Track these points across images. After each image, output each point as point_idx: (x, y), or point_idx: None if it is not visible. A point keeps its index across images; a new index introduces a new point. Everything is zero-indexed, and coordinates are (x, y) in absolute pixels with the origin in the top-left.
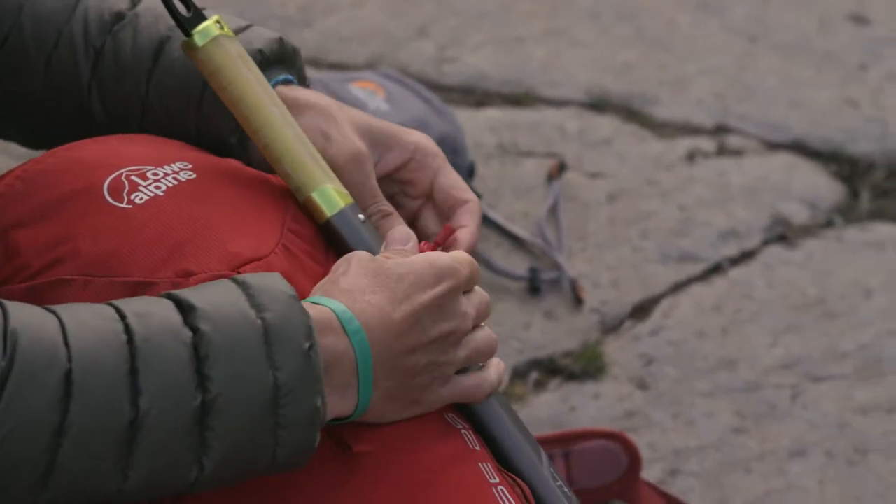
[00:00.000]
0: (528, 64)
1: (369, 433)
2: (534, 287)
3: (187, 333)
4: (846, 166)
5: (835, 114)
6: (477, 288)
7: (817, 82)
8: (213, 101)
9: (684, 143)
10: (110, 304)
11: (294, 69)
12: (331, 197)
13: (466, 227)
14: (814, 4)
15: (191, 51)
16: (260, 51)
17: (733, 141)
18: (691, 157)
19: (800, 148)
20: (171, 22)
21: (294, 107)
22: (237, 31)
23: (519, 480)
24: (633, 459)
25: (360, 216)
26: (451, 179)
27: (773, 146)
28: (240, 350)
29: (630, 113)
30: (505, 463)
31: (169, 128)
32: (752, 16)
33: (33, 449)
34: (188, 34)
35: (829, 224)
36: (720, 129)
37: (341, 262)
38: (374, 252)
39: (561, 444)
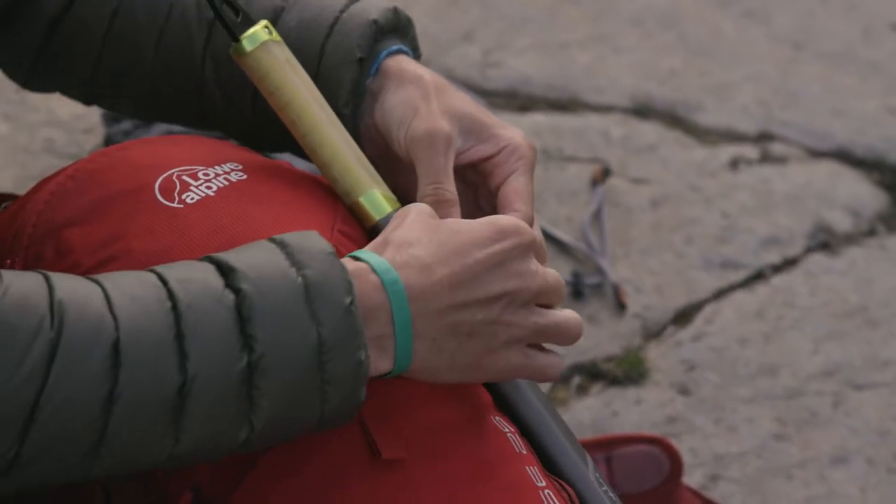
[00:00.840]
0: (572, 69)
1: (411, 434)
2: (577, 291)
3: (229, 296)
4: (889, 175)
5: (878, 122)
6: (549, 269)
7: (861, 91)
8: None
9: (728, 150)
10: (152, 271)
11: (407, 39)
12: (378, 202)
13: None
14: (858, 13)
15: (239, 56)
16: (375, 21)
17: (777, 148)
18: (735, 164)
19: (843, 156)
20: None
21: (400, 78)
22: (351, 2)
23: (565, 485)
24: (675, 465)
25: None
26: (518, 184)
27: (817, 154)
28: (282, 308)
29: (674, 119)
30: (551, 467)
31: None
32: (796, 24)
33: (85, 419)
34: (236, 39)
35: (871, 232)
36: (764, 137)
37: (400, 213)
38: None
39: (603, 449)
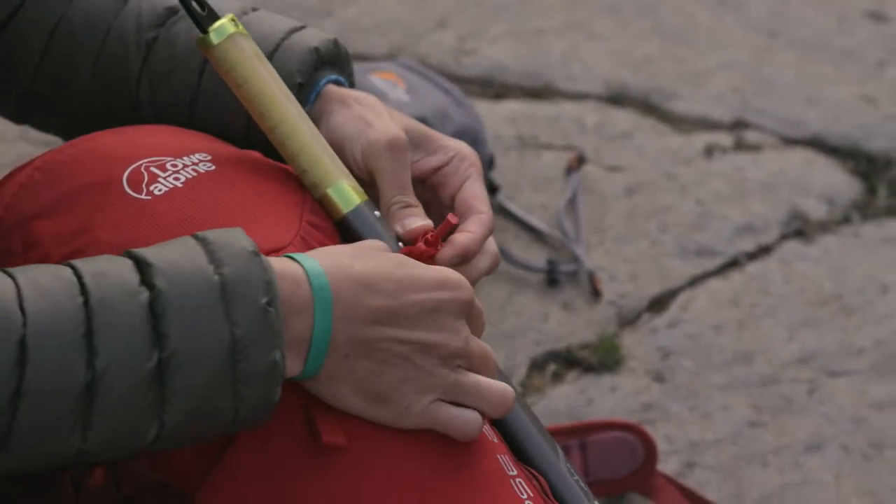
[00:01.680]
0: (547, 57)
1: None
2: (552, 279)
3: (144, 292)
4: (863, 163)
5: (853, 110)
6: (478, 340)
7: (835, 79)
8: None
9: (702, 138)
10: (69, 265)
11: (346, 73)
12: (346, 193)
13: (469, 233)
14: (832, 1)
15: (206, 48)
16: (316, 49)
17: (751, 136)
18: (709, 151)
19: (817, 144)
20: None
21: (342, 101)
22: (293, 31)
23: (536, 474)
24: (650, 451)
25: (376, 213)
26: (475, 189)
27: (791, 142)
28: (195, 306)
29: (648, 107)
30: (521, 457)
31: (219, 118)
32: (770, 11)
33: None
34: (204, 31)
35: (846, 220)
36: (738, 125)
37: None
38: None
39: (578, 436)
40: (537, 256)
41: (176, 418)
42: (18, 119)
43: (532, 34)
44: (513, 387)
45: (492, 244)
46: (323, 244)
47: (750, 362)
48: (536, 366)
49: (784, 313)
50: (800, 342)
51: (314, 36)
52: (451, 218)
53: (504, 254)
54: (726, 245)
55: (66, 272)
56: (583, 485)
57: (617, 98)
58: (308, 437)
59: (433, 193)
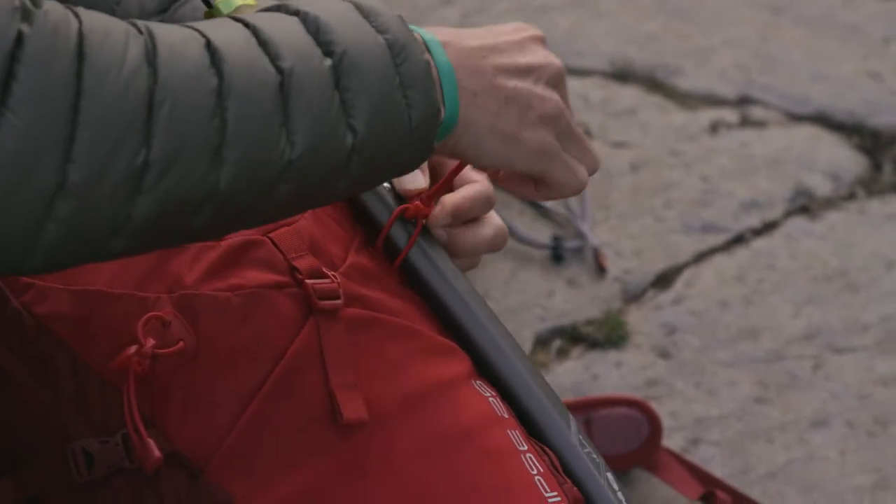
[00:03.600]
0: (552, 33)
1: (390, 400)
2: (557, 255)
3: (291, 15)
4: (869, 139)
5: (858, 86)
6: None
7: (841, 55)
8: None
9: (707, 114)
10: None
11: None
12: None
13: (461, 195)
14: None
15: None
16: None
17: (756, 112)
18: (714, 127)
19: (823, 120)
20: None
21: None
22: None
23: (546, 449)
24: (655, 427)
25: (386, 185)
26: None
27: (797, 118)
28: (343, 18)
29: (653, 83)
30: (533, 430)
31: None
32: None
33: (201, 115)
34: (210, 5)
35: (851, 196)
36: (743, 101)
37: None
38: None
39: (582, 411)
40: (542, 233)
41: (365, 123)
42: None
43: (537, 10)
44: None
45: (495, 217)
46: (333, 218)
47: (755, 339)
48: (541, 342)
49: (789, 290)
50: (805, 318)
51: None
52: (449, 176)
53: (509, 230)
54: (732, 221)
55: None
56: (595, 456)
57: (622, 74)
58: (327, 413)
59: (432, 171)
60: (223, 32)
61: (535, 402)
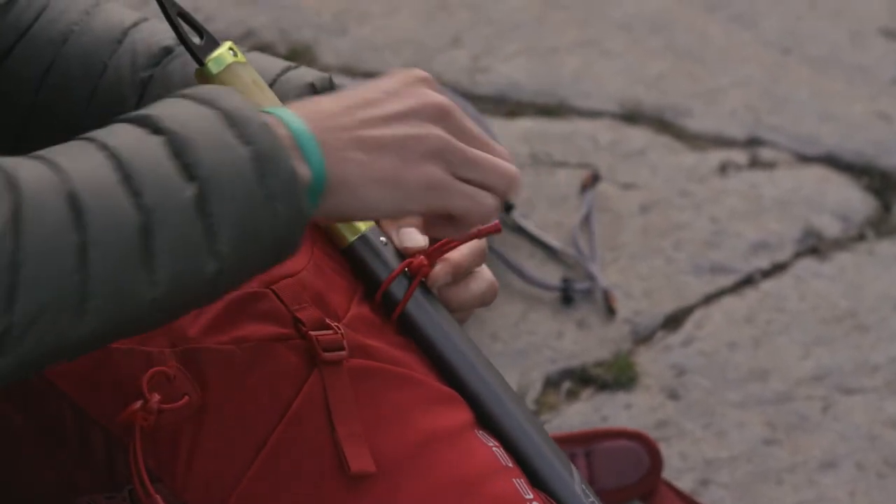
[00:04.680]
0: (561, 74)
1: (396, 449)
2: (566, 297)
3: (157, 136)
4: (878, 180)
5: (867, 127)
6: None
7: (849, 96)
8: None
9: (717, 155)
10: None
11: None
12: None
13: (459, 252)
14: (846, 18)
15: (205, 80)
16: (311, 84)
17: (765, 153)
18: (723, 169)
19: (832, 161)
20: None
21: None
22: (288, 68)
23: (551, 500)
24: (655, 460)
25: (382, 239)
26: None
27: (806, 159)
28: (209, 135)
29: (662, 124)
30: (536, 481)
31: None
32: (783, 28)
33: (65, 271)
34: (202, 63)
35: (861, 237)
36: (752, 142)
37: None
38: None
39: (583, 443)
40: (552, 274)
41: (228, 248)
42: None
43: (546, 52)
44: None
45: (486, 271)
46: (334, 269)
47: (764, 380)
48: (551, 383)
49: (799, 331)
50: (814, 359)
51: (310, 73)
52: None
53: (519, 272)
54: (741, 262)
55: (81, 141)
56: None
57: (631, 115)
58: (333, 464)
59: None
60: (89, 172)
61: (537, 453)
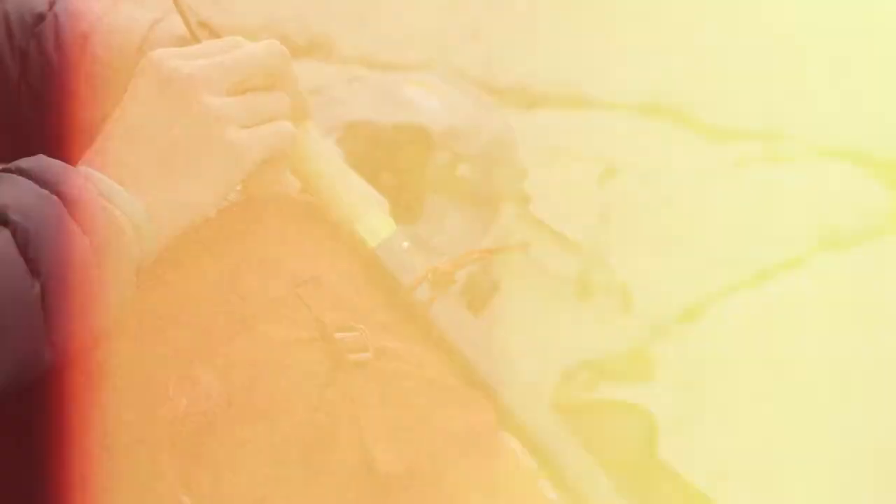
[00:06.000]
0: (579, 67)
1: (419, 449)
2: (584, 290)
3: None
4: None
5: (886, 121)
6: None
7: (869, 89)
8: None
9: (735, 148)
10: None
11: None
12: (372, 227)
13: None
14: (868, 10)
15: None
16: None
17: (785, 146)
18: (742, 161)
19: (851, 154)
20: (91, 19)
21: None
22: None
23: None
24: None
25: (405, 243)
26: None
27: (825, 152)
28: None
29: (681, 117)
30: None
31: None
32: (805, 21)
33: None
34: None
35: (879, 231)
36: (772, 135)
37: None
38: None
39: None
40: (570, 267)
41: (62, 337)
42: None
43: (564, 44)
44: None
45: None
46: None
47: (781, 373)
48: (568, 376)
49: (816, 324)
50: (832, 353)
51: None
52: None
53: (536, 264)
54: (758, 255)
55: None
56: None
57: (650, 108)
58: (361, 466)
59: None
60: None
61: (561, 452)
